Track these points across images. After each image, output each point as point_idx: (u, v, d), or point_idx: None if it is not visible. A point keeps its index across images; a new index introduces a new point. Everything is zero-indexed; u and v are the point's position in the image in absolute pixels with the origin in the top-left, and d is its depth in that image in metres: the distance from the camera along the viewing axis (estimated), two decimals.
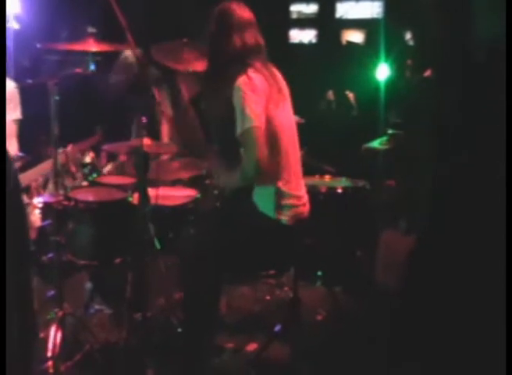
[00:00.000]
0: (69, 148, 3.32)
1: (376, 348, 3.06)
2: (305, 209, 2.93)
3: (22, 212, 2.08)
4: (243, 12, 2.88)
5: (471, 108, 2.82)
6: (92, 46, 2.97)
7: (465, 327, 2.57)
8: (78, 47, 3.01)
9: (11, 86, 3.46)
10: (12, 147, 3.51)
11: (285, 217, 2.81)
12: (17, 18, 3.93)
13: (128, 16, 2.67)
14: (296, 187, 2.89)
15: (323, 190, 3.65)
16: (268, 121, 2.74)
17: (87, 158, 3.64)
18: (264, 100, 2.73)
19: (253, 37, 2.85)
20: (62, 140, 3.07)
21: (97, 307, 3.53)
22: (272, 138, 2.76)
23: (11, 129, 3.50)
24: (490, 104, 2.72)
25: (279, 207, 2.81)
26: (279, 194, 2.81)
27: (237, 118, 2.70)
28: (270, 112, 2.75)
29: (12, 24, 3.84)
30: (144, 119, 2.75)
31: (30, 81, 3.19)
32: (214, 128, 3.00)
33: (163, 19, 5.02)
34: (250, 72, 2.76)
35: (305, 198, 2.95)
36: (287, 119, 2.88)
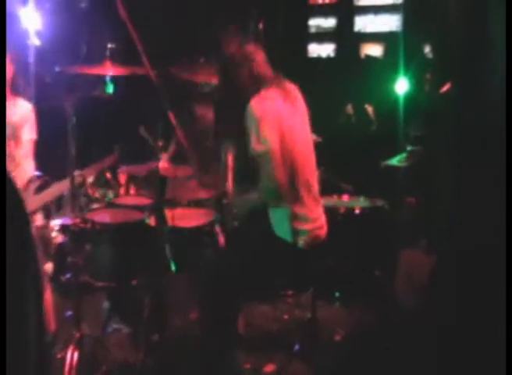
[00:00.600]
0: (86, 170, 3.33)
1: (396, 368, 3.01)
2: (322, 232, 2.90)
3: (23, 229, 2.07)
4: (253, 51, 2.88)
5: (490, 124, 2.77)
6: (109, 69, 2.98)
7: (487, 345, 2.52)
8: (95, 70, 3.02)
9: (27, 108, 3.49)
10: (29, 167, 3.53)
11: (301, 241, 2.79)
12: (38, 34, 3.96)
13: (146, 34, 2.69)
14: (313, 210, 2.86)
15: (341, 211, 3.62)
16: (282, 141, 2.72)
17: (104, 179, 3.65)
18: (276, 121, 2.71)
19: (263, 68, 2.86)
20: (80, 159, 3.09)
21: (115, 326, 3.53)
22: (287, 159, 2.74)
23: (27, 149, 3.53)
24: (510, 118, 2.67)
25: (294, 231, 2.78)
26: (295, 219, 2.78)
27: (250, 140, 2.69)
28: (284, 132, 2.73)
29: (33, 40, 3.87)
30: (161, 143, 2.75)
31: (46, 104, 3.21)
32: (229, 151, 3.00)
33: (180, 38, 5.04)
34: (263, 92, 2.76)
35: (322, 220, 2.91)
36: (302, 139, 2.85)
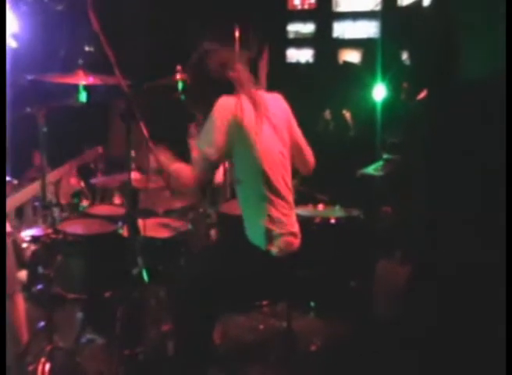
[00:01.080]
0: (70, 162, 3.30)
1: None
2: (296, 241, 2.88)
3: None
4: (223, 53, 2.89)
5: (462, 131, 2.79)
6: (81, 79, 2.95)
7: (468, 352, 2.53)
8: (68, 80, 3.00)
9: None
10: None
11: (275, 249, 2.77)
12: (15, 36, 3.91)
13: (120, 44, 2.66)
14: (285, 214, 2.84)
15: (316, 220, 3.59)
16: (249, 149, 2.71)
17: (77, 187, 3.61)
18: (232, 129, 2.70)
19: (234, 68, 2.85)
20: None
21: (88, 336, 3.48)
22: (253, 167, 2.73)
23: None
24: (484, 126, 2.70)
25: (268, 239, 2.77)
26: (269, 226, 2.77)
27: (201, 134, 2.72)
28: (251, 140, 2.72)
29: (10, 43, 3.82)
30: (134, 153, 2.72)
31: (18, 110, 3.17)
32: None
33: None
34: (233, 97, 2.75)
35: (296, 228, 2.90)
36: (275, 150, 2.83)
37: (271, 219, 2.78)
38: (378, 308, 3.43)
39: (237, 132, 2.70)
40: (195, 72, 2.97)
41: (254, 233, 2.80)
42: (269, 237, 2.77)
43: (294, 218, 2.91)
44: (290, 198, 2.89)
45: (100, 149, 3.73)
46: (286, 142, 2.89)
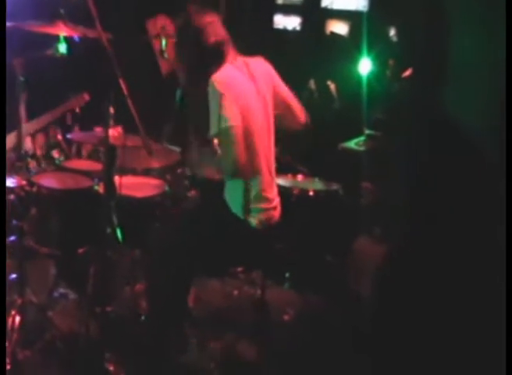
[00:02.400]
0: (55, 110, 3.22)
1: (343, 350, 3.04)
2: (276, 213, 2.87)
3: None
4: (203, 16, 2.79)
5: (446, 113, 2.76)
6: (61, 29, 2.87)
7: (441, 335, 2.54)
8: (47, 29, 2.91)
9: None
10: None
11: (254, 220, 2.75)
12: None
13: None
14: (268, 189, 2.82)
15: (295, 192, 3.56)
16: (243, 118, 2.66)
17: (55, 140, 3.53)
18: (237, 97, 2.66)
19: (220, 33, 2.77)
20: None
21: (62, 291, 3.44)
22: (247, 136, 2.68)
23: None
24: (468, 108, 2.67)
25: (247, 209, 2.74)
26: (249, 196, 2.74)
27: (212, 116, 2.62)
28: (243, 109, 2.67)
29: None
30: (112, 109, 2.65)
31: None
32: (195, 123, 2.92)
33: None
34: (223, 68, 2.70)
35: (276, 201, 2.88)
36: (261, 116, 2.79)
37: (259, 194, 2.76)
38: (352, 284, 3.44)
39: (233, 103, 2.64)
40: (181, 36, 2.89)
41: (235, 203, 2.77)
42: (250, 209, 2.75)
43: (276, 190, 2.89)
44: (273, 169, 2.87)
45: (86, 96, 3.65)
46: (270, 108, 2.86)
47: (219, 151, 2.68)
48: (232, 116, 2.59)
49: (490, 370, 2.09)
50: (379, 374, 2.71)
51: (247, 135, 2.68)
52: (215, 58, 2.74)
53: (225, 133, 2.60)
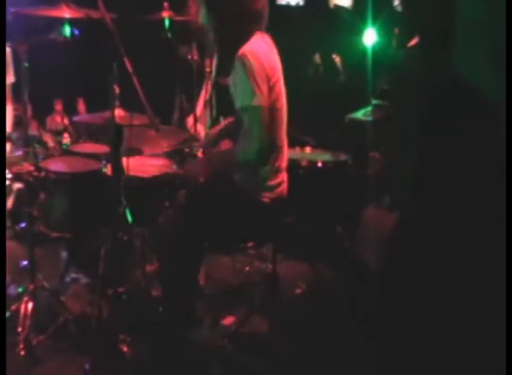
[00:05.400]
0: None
1: (354, 323, 3.03)
2: (285, 188, 2.85)
3: None
4: None
5: (457, 83, 2.72)
6: (65, 12, 2.84)
7: (447, 309, 2.53)
8: (50, 13, 2.89)
9: (7, 51, 3.45)
10: (10, 112, 3.45)
11: (266, 199, 2.74)
12: None
13: None
14: (283, 165, 2.80)
15: (303, 164, 3.54)
16: (271, 96, 2.62)
17: (62, 125, 3.54)
18: (267, 73, 2.60)
19: (260, 3, 2.69)
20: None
21: (73, 276, 3.47)
22: (272, 113, 2.64)
23: (8, 93, 3.44)
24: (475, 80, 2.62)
25: (263, 188, 2.74)
26: (269, 176, 2.72)
27: (240, 90, 2.58)
28: (272, 85, 2.63)
29: None
30: (117, 89, 2.63)
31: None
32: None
33: None
34: (253, 40, 2.64)
35: (285, 176, 2.86)
36: (283, 91, 2.76)
37: (275, 169, 2.74)
38: (364, 254, 3.43)
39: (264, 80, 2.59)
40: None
41: (247, 180, 2.75)
42: (264, 187, 2.74)
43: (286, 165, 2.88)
44: (286, 143, 2.85)
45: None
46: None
47: (245, 126, 2.61)
48: (261, 94, 2.54)
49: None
50: (385, 349, 2.71)
51: (274, 111, 2.64)
52: (256, 25, 2.68)
53: (253, 112, 2.54)
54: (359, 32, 5.36)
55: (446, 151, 2.64)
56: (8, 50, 3.47)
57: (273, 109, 2.63)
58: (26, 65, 2.90)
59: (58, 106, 4.95)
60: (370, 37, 5.27)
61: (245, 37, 2.64)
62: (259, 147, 2.57)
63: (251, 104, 2.53)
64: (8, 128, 3.55)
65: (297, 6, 6.94)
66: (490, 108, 2.25)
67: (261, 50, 2.63)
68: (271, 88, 2.60)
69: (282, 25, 5.93)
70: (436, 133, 2.73)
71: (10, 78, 3.51)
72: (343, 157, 3.71)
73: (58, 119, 4.69)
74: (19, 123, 3.55)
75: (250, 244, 3.14)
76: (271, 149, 2.68)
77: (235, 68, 2.61)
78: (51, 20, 2.98)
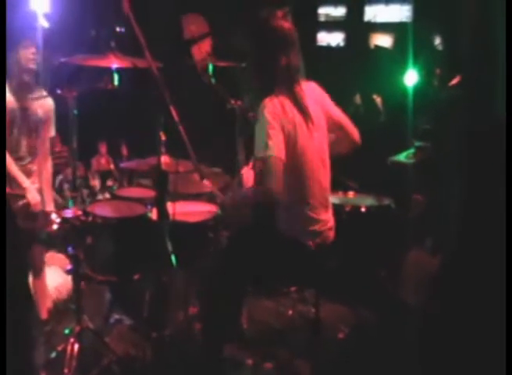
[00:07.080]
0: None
1: (397, 368, 2.98)
2: (331, 234, 2.85)
3: None
4: (287, 26, 2.74)
5: (498, 123, 2.70)
6: (113, 62, 2.93)
7: (488, 347, 2.48)
8: (98, 62, 2.98)
9: (51, 104, 3.53)
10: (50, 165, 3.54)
11: (311, 242, 2.75)
12: (47, 16, 3.92)
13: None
14: (323, 212, 2.81)
15: (347, 209, 3.53)
16: (292, 146, 2.65)
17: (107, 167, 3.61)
18: (286, 127, 2.63)
19: (296, 57, 2.73)
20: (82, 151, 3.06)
21: (117, 317, 3.51)
22: (296, 163, 2.67)
23: (47, 146, 3.52)
24: None
25: (305, 232, 2.75)
26: (305, 220, 2.74)
27: (256, 140, 2.61)
28: (295, 138, 2.66)
29: (42, 23, 3.84)
30: (163, 136, 2.70)
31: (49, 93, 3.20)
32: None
33: None
34: (278, 95, 2.67)
35: (331, 223, 2.87)
36: (314, 144, 2.76)
37: (308, 217, 2.75)
38: (407, 298, 3.39)
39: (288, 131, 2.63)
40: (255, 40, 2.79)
41: (289, 226, 2.77)
42: (307, 234, 2.75)
43: (331, 212, 2.88)
44: (328, 192, 2.85)
45: None
46: (324, 134, 2.83)
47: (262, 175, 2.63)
48: (275, 145, 2.56)
49: None
50: None
51: (295, 163, 2.66)
52: (285, 82, 2.72)
53: (267, 161, 2.56)
54: (400, 72, 5.38)
55: (493, 194, 2.62)
56: (49, 104, 3.53)
57: (294, 161, 2.65)
58: (75, 112, 2.98)
59: (103, 148, 5.08)
60: (411, 77, 5.29)
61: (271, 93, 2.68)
62: (272, 194, 2.54)
63: (266, 154, 2.55)
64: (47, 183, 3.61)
65: (338, 47, 7.03)
66: None
67: (279, 103, 2.65)
68: (289, 140, 2.63)
69: (322, 66, 6.01)
70: (482, 176, 2.71)
71: (51, 133, 3.57)
72: (386, 201, 3.69)
73: (103, 161, 4.80)
74: (65, 164, 3.62)
75: (292, 289, 3.13)
76: (292, 199, 2.70)
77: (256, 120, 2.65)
78: (99, 68, 3.07)
